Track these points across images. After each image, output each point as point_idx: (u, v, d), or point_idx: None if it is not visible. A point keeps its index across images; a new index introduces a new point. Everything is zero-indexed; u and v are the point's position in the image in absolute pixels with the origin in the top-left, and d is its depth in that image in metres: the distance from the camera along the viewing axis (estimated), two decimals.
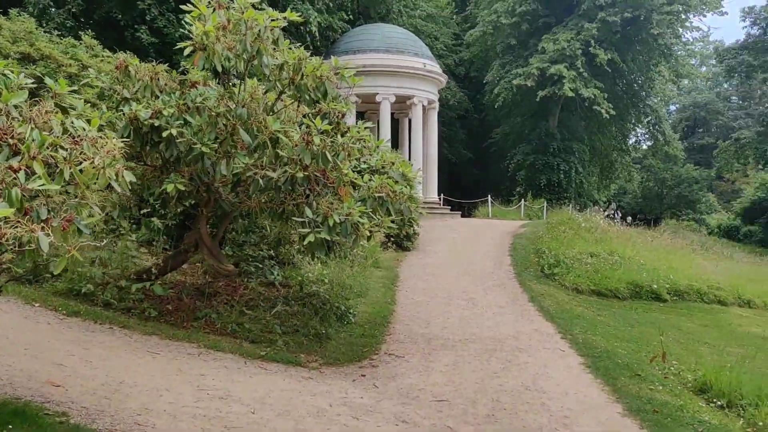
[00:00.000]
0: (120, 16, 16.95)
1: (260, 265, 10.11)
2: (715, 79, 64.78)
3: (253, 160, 6.69)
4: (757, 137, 40.01)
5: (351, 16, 25.60)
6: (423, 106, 23.78)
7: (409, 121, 24.74)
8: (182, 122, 6.73)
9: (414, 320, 9.80)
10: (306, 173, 6.67)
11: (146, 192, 7.16)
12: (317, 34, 20.75)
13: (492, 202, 29.91)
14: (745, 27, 39.00)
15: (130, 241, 9.94)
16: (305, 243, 6.62)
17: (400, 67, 22.38)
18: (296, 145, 6.60)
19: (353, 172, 7.81)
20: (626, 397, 6.69)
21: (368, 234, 7.20)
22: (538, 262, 15.43)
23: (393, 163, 8.45)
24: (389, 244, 15.58)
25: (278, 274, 10.08)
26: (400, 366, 7.44)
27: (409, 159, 23.81)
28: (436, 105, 24.77)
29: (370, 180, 7.62)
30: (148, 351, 6.43)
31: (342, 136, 7.35)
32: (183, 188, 6.79)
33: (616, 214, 33.07)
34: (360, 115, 26.25)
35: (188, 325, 7.44)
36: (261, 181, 6.58)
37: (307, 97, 7.32)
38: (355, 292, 10.49)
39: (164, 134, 6.55)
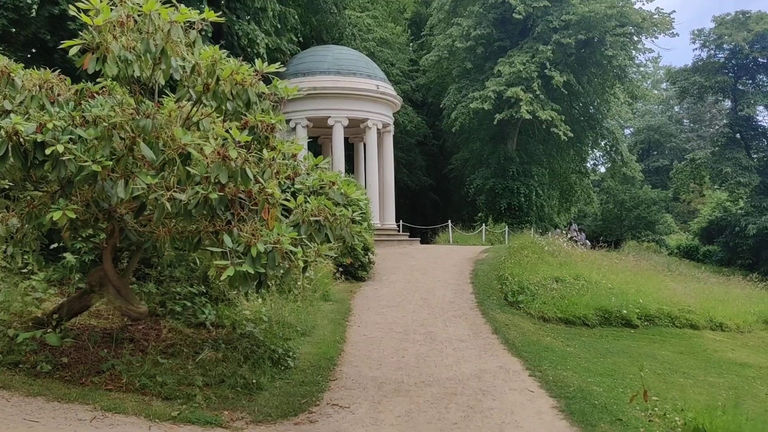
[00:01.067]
0: (49, 36, 15.65)
1: (189, 304, 8.90)
2: (667, 103, 66.08)
3: (157, 180, 5.54)
4: (711, 157, 40.42)
5: (302, 39, 24.72)
6: (378, 129, 22.89)
7: (364, 145, 23.77)
8: (73, 137, 5.60)
9: (365, 360, 8.68)
10: (222, 194, 5.58)
11: (30, 224, 5.92)
12: (266, 56, 19.73)
13: (453, 228, 29.09)
14: (695, 49, 39.60)
15: (37, 281, 8.64)
16: (222, 278, 5.49)
17: (352, 89, 21.49)
18: (211, 162, 5.50)
19: (286, 193, 6.75)
20: None
21: (303, 264, 6.12)
22: (501, 290, 14.50)
23: (333, 183, 7.40)
24: (340, 274, 14.44)
25: (210, 314, 8.88)
26: (343, 420, 6.30)
27: (365, 184, 22.87)
28: (392, 128, 23.90)
29: (305, 202, 6.57)
30: (24, 419, 5.16)
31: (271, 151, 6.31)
32: (75, 216, 5.62)
33: (579, 236, 32.65)
34: (313, 141, 25.24)
35: (87, 381, 6.17)
36: (167, 204, 5.44)
37: (227, 107, 6.26)
38: (299, 330, 9.32)
39: (47, 151, 5.40)
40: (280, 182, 6.74)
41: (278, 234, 5.81)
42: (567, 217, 47.52)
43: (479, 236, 30.03)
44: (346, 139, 24.07)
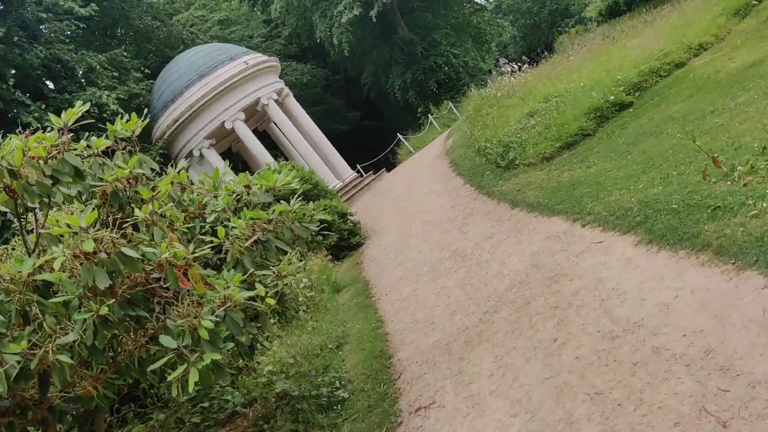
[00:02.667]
0: None
1: (207, 404, 7.42)
2: None
3: (24, 342, 3.94)
4: None
5: (149, 71, 22.48)
6: (275, 100, 20.98)
7: (275, 124, 21.89)
8: None
9: (415, 330, 7.30)
10: (116, 299, 4.02)
11: None
12: (123, 109, 17.68)
13: (405, 138, 27.48)
14: None
15: None
16: (191, 389, 3.98)
17: (223, 83, 19.48)
18: (71, 275, 3.91)
19: (203, 236, 5.21)
20: None
21: (268, 309, 4.66)
22: (488, 160, 13.10)
23: (248, 187, 5.84)
24: (334, 255, 13.04)
25: (234, 397, 7.43)
26: (437, 422, 4.95)
27: (301, 156, 21.14)
28: (288, 91, 22.00)
29: (229, 230, 5.04)
30: None
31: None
32: None
33: (511, 65, 31.19)
34: (228, 153, 23.34)
35: None
36: (62, 359, 3.87)
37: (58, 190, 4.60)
38: (331, 347, 7.89)
39: None
40: (187, 228, 5.19)
41: (222, 288, 4.31)
42: (491, 57, 45.88)
43: (433, 129, 28.51)
44: (256, 131, 22.23)
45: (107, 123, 5.57)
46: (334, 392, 6.28)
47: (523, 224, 8.43)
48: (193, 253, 4.31)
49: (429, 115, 29.62)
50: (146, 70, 21.84)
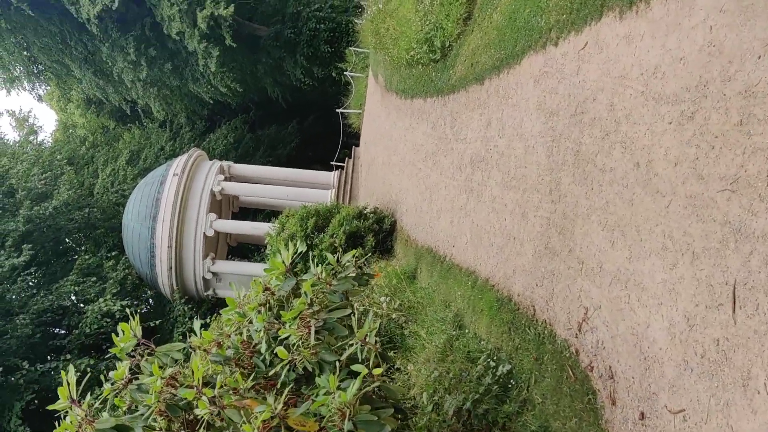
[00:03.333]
0: None
1: None
2: None
3: None
4: None
5: (116, 250, 21.99)
6: (225, 179, 20.30)
7: (243, 197, 21.24)
8: None
9: (504, 258, 6.70)
10: None
11: None
12: (124, 303, 17.31)
13: (345, 108, 26.52)
14: None
15: None
16: None
17: (173, 209, 18.81)
18: None
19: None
20: None
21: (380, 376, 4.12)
22: (425, 65, 12.28)
23: (267, 289, 5.28)
24: (380, 253, 12.52)
25: None
26: (606, 325, 4.35)
27: (286, 200, 20.48)
28: (228, 163, 21.23)
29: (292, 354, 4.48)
30: None
31: None
32: None
33: None
34: (233, 249, 22.80)
35: None
36: None
37: None
38: (457, 340, 7.32)
39: None
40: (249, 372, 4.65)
41: (328, 405, 3.76)
42: None
43: (359, 81, 27.49)
44: (233, 215, 21.60)
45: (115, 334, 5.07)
46: (496, 372, 5.73)
47: (505, 88, 7.69)
48: (276, 402, 3.74)
49: (345, 73, 28.59)
50: (114, 252, 21.37)
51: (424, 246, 10.75)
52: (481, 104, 8.62)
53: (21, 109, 49.02)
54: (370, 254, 12.47)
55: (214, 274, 19.52)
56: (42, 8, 31.56)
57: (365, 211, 13.79)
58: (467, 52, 9.89)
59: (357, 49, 28.90)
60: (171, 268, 18.83)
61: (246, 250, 29.57)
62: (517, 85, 7.22)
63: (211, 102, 37.21)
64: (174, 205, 18.41)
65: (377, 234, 13.09)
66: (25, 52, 36.18)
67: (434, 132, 11.18)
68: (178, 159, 19.96)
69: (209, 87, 33.91)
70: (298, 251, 5.66)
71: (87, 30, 31.57)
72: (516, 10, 7.76)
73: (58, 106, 54.52)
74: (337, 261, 5.36)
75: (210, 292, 19.82)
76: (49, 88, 45.99)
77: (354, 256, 5.12)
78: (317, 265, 5.19)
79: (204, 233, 18.92)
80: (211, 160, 21.15)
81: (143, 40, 32.21)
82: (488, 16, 9.31)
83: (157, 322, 18.57)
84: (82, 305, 18.09)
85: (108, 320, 17.35)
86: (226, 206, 22.62)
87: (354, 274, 5.35)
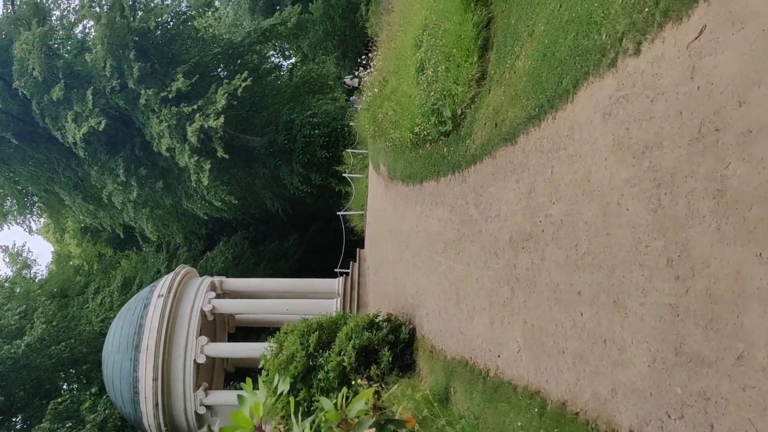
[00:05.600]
0: None
1: None
2: None
3: None
4: None
5: (98, 386, 19.48)
6: (217, 296, 18.18)
7: (236, 314, 19.01)
8: None
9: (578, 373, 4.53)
10: None
11: None
12: None
13: (346, 210, 24.84)
14: None
15: None
16: None
17: (159, 334, 16.55)
18: None
19: None
20: None
21: None
22: (432, 141, 10.56)
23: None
24: (400, 371, 10.27)
25: None
26: None
27: (287, 313, 18.27)
28: (221, 278, 19.18)
29: None
30: None
31: None
32: None
33: (354, 80, 29.63)
34: (226, 380, 20.29)
35: None
36: None
37: None
38: None
39: None
40: None
41: None
42: (338, 92, 44.23)
43: (358, 182, 26.04)
44: (229, 336, 19.33)
45: None
46: None
47: (553, 139, 5.80)
48: None
49: (344, 174, 27.22)
50: (94, 389, 18.88)
51: (455, 358, 8.49)
52: (517, 168, 6.70)
53: (14, 244, 47.53)
54: (386, 373, 10.15)
55: (209, 407, 16.94)
56: (28, 137, 30.81)
57: (377, 320, 11.59)
58: (487, 114, 8.13)
59: (354, 150, 27.77)
60: (157, 404, 16.29)
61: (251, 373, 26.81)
62: (571, 129, 5.32)
63: (206, 219, 35.80)
64: (159, 331, 16.19)
65: (394, 346, 10.82)
66: (16, 185, 35.17)
67: (453, 216, 9.23)
68: (164, 278, 17.96)
69: (203, 203, 32.54)
70: (279, 393, 3.62)
71: (75, 155, 30.62)
72: (552, 43, 6.03)
73: (54, 237, 53.46)
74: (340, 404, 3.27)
75: (204, 429, 17.11)
76: (43, 219, 44.91)
77: (367, 400, 3.01)
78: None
79: (194, 360, 16.56)
80: (210, 277, 19.14)
81: (133, 160, 31.20)
82: (509, 68, 7.63)
83: None
84: None
85: None
86: (221, 327, 20.35)
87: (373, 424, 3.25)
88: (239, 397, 3.23)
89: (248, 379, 3.27)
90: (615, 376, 4.16)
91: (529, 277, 6.02)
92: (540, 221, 5.88)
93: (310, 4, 49.22)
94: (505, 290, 6.68)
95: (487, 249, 7.44)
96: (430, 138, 10.43)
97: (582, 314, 4.76)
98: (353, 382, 9.69)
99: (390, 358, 10.37)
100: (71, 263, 50.01)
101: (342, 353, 10.64)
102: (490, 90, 8.41)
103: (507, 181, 6.98)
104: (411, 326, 11.23)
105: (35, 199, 37.85)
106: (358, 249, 21.10)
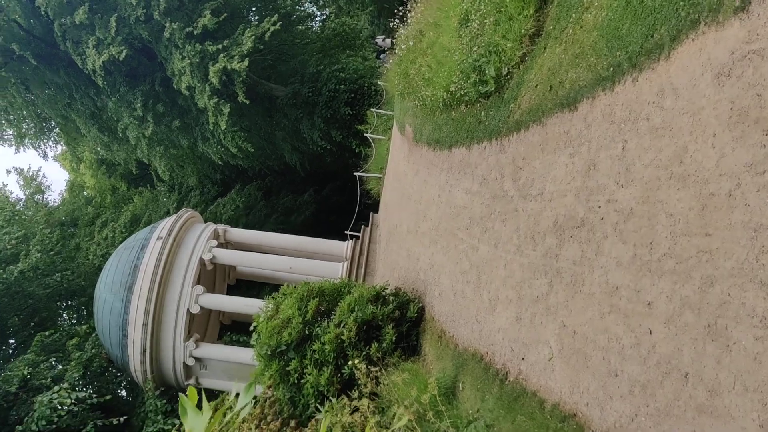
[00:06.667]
0: None
1: None
2: None
3: None
4: None
5: (89, 328, 18.82)
6: (219, 245, 17.28)
7: (239, 266, 18.11)
8: None
9: (604, 387, 3.47)
10: None
11: None
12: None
13: (364, 171, 23.71)
14: None
15: None
16: None
17: (155, 277, 15.67)
18: None
19: None
20: None
21: None
22: (468, 102, 9.38)
23: None
24: (403, 352, 9.27)
25: None
26: None
27: (290, 273, 17.38)
28: (225, 227, 18.24)
29: None
30: None
31: None
32: None
33: (386, 40, 28.20)
34: (221, 333, 19.54)
35: None
36: None
37: None
38: None
39: None
40: None
41: None
42: (369, 52, 42.70)
43: (379, 144, 24.86)
44: (229, 288, 18.54)
45: None
46: None
47: (630, 105, 4.65)
48: None
49: (365, 134, 26.00)
50: (88, 328, 18.22)
51: (467, 349, 7.48)
52: (574, 140, 5.56)
53: (29, 167, 46.93)
54: (388, 353, 9.17)
55: (198, 359, 16.19)
56: (48, 59, 29.79)
57: (384, 293, 10.59)
58: (540, 75, 6.94)
59: (379, 110, 26.51)
60: (145, 350, 15.53)
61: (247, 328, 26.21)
62: (660, 94, 4.16)
63: (222, 164, 34.87)
64: (154, 275, 15.34)
65: (399, 324, 9.82)
66: (35, 109, 34.30)
67: (484, 189, 8.12)
68: (165, 221, 17.03)
69: (219, 147, 31.57)
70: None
71: (93, 83, 29.63)
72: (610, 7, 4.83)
73: (70, 166, 52.96)
74: None
75: (192, 381, 16.36)
76: (60, 147, 44.26)
77: None
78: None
79: (188, 309, 15.73)
80: (215, 224, 18.18)
81: (152, 96, 30.17)
82: (574, 22, 6.40)
83: (122, 420, 14.92)
84: (32, 393, 14.75)
85: (62, 414, 14.00)
86: (221, 278, 19.51)
87: None
88: (180, 406, 2.21)
89: (189, 390, 2.23)
90: (700, 426, 3.09)
91: (576, 272, 4.93)
92: (599, 207, 4.76)
93: None
94: (541, 283, 5.61)
95: (523, 232, 6.35)
96: (466, 99, 9.25)
97: (651, 332, 3.68)
98: (350, 362, 8.75)
99: (394, 338, 9.38)
100: (84, 193, 49.70)
101: (342, 325, 9.67)
102: (545, 48, 7.20)
103: (558, 155, 5.84)
104: (420, 305, 10.22)
105: (53, 124, 37.08)
106: (372, 213, 20.02)
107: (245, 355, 14.63)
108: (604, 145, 4.91)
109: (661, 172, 3.95)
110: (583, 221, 5.01)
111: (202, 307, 15.80)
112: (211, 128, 29.64)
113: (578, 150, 5.41)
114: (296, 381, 9.68)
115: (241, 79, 27.10)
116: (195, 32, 27.24)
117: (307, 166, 37.75)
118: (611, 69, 5.02)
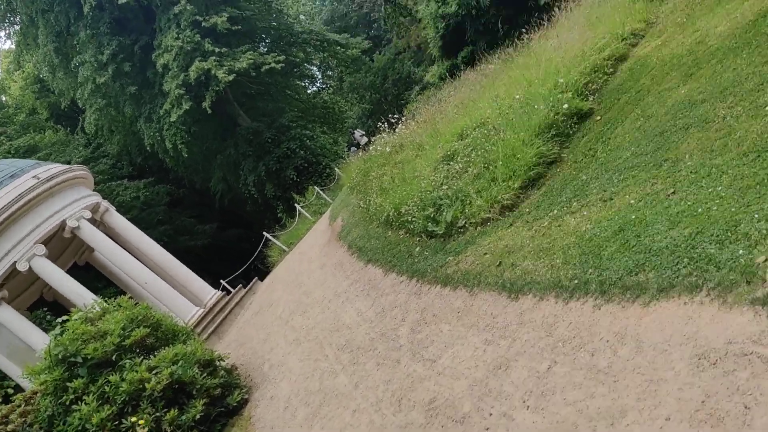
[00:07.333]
0: None
1: None
2: None
3: None
4: None
5: None
6: (91, 219, 15.55)
7: (99, 251, 16.29)
8: None
9: None
10: None
11: None
12: None
13: (275, 237, 22.56)
14: None
15: None
16: None
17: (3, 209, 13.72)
18: None
19: None
20: None
21: None
22: (410, 232, 8.79)
23: None
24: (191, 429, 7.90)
25: None
26: None
27: (140, 286, 15.68)
28: (107, 206, 16.55)
29: None
30: None
31: None
32: None
33: (362, 138, 28.37)
34: (40, 302, 17.26)
35: None
36: None
37: None
38: None
39: None
40: None
41: None
42: (344, 138, 42.94)
43: (304, 221, 24.02)
44: (75, 266, 16.56)
45: None
46: None
47: (593, 328, 4.05)
48: None
49: (296, 204, 25.13)
50: None
51: None
52: (497, 328, 4.91)
53: None
54: (184, 430, 7.79)
55: None
56: None
57: (219, 364, 9.30)
58: (494, 247, 6.43)
59: (322, 192, 25.93)
60: None
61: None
62: (619, 337, 3.57)
63: (149, 151, 32.97)
64: (4, 209, 13.34)
65: (213, 404, 8.50)
66: None
67: (378, 321, 7.31)
68: (55, 165, 15.25)
69: (157, 135, 29.94)
70: None
71: (80, 7, 28.02)
72: (638, 229, 4.42)
73: (7, 66, 49.36)
74: None
75: None
76: (10, 44, 41.28)
77: None
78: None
79: (15, 262, 13.65)
80: (100, 197, 16.41)
81: (126, 52, 28.67)
82: (553, 218, 6.03)
83: None
84: None
85: None
86: (72, 253, 17.44)
87: None
88: None
89: None
90: None
91: None
92: (490, 414, 4.01)
93: (376, 54, 48.77)
94: None
95: (393, 388, 5.50)
96: (411, 227, 8.66)
97: None
98: (135, 418, 7.37)
99: (198, 416, 8.04)
100: (2, 97, 46.19)
101: (154, 372, 8.29)
102: (512, 224, 6.76)
103: (473, 334, 5.15)
104: (247, 396, 8.97)
105: (18, 19, 34.49)
106: (257, 279, 18.73)
107: (40, 341, 12.60)
108: (528, 354, 4.25)
109: (581, 420, 3.26)
110: (464, 418, 4.23)
111: (31, 269, 13.77)
112: (161, 114, 28.19)
113: (497, 341, 4.74)
114: (68, 403, 8.09)
115: (218, 89, 26.21)
116: (203, 24, 26.52)
117: (226, 202, 36.26)
118: (575, 282, 4.48)
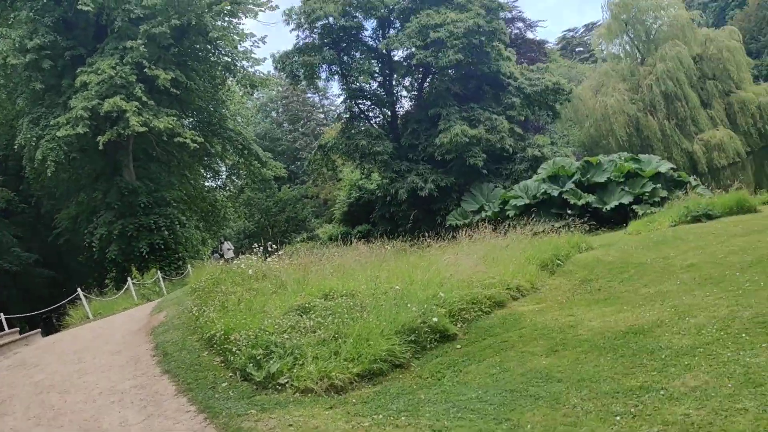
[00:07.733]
0: None
1: None
2: (265, 108, 63.41)
3: None
4: (341, 136, 37.92)
5: None
6: None
7: None
8: None
9: None
10: None
11: None
12: None
13: (86, 297, 20.17)
14: (293, 30, 36.54)
15: None
16: None
17: None
18: None
19: None
20: None
21: None
22: (229, 364, 7.84)
23: None
24: None
25: None
26: None
27: None
28: None
29: None
30: None
31: None
32: None
33: (229, 251, 27.50)
34: None
35: None
36: None
37: None
38: None
39: None
40: None
41: None
42: (212, 243, 41.30)
43: (128, 298, 21.89)
44: None
45: None
46: None
47: None
48: None
49: (129, 278, 23.00)
50: None
51: None
52: None
53: None
54: None
55: None
56: None
57: None
58: (307, 426, 5.67)
59: (163, 280, 24.09)
60: None
61: None
62: None
63: (15, 150, 29.88)
64: None
65: None
66: None
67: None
68: None
69: (33, 139, 26.95)
70: None
71: None
72: None
73: None
74: None
75: None
76: None
77: None
78: None
79: None
80: None
81: (55, 50, 26.76)
82: (369, 426, 5.47)
83: None
84: None
85: None
86: None
87: None
88: None
89: None
90: None
91: None
92: None
93: (285, 186, 49.12)
94: None
95: None
96: (231, 358, 7.74)
97: None
98: None
99: None
100: None
101: None
102: (332, 407, 6.10)
103: None
104: None
105: None
106: (39, 330, 16.28)
107: None
108: None
109: None
110: None
111: None
112: (51, 123, 26.06)
113: None
114: None
115: (122, 132, 24.94)
116: (146, 70, 25.82)
117: (61, 240, 32.96)
118: None
